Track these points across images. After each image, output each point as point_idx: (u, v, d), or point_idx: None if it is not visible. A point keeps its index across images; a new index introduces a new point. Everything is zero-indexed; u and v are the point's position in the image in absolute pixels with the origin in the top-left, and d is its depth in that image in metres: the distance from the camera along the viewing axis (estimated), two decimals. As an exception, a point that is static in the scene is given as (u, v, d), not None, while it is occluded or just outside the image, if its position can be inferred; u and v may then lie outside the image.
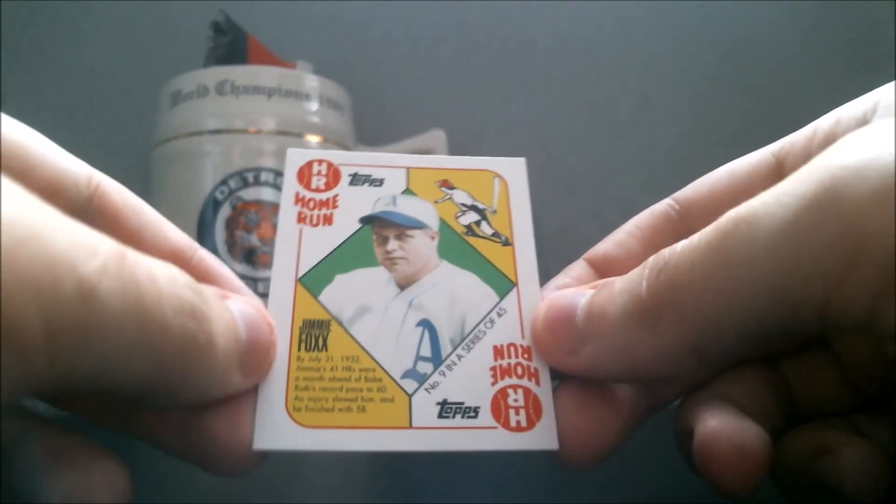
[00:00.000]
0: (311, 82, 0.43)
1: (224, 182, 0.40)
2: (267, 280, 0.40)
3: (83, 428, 0.16)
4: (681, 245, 0.15)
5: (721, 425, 0.16)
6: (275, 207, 0.40)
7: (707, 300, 0.14)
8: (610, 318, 0.16)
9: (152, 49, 0.56)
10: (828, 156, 0.14)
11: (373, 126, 0.52)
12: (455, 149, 0.49)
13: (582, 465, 0.17)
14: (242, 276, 0.40)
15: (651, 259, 0.16)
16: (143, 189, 0.44)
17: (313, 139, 0.42)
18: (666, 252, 0.16)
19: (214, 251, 0.40)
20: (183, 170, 0.42)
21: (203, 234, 0.40)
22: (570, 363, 0.17)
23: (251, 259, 0.40)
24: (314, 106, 0.43)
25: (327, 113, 0.44)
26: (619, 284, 0.16)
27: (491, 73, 0.56)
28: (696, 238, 0.15)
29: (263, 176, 0.40)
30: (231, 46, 0.44)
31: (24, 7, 0.55)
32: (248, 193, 0.40)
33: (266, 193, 0.40)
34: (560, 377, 0.18)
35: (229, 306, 0.16)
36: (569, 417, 0.17)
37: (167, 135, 0.42)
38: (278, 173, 0.40)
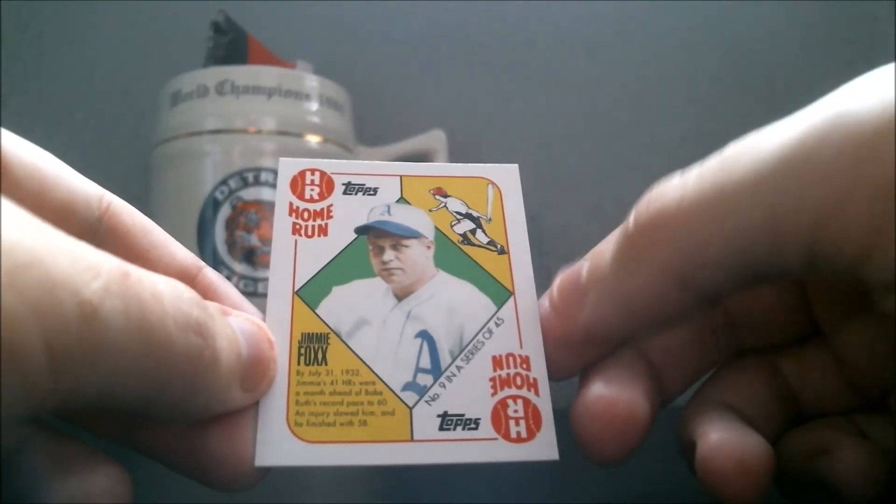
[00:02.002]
0: (311, 82, 0.43)
1: (224, 182, 0.40)
2: (267, 280, 0.40)
3: (88, 434, 0.16)
4: (676, 177, 0.15)
5: (722, 440, 0.16)
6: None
7: (693, 225, 0.14)
8: (605, 261, 0.16)
9: (152, 49, 0.56)
10: (833, 94, 0.14)
11: (373, 126, 0.52)
12: (455, 149, 0.49)
13: (612, 459, 0.17)
14: (242, 276, 0.40)
15: (644, 196, 0.16)
16: (143, 189, 0.44)
17: (313, 139, 0.42)
18: (659, 185, 0.16)
19: (214, 251, 0.40)
20: (183, 170, 0.42)
21: (203, 234, 0.40)
22: (578, 323, 0.17)
23: (251, 259, 0.40)
24: (314, 106, 0.43)
25: (327, 113, 0.44)
26: (616, 231, 0.17)
27: (491, 73, 0.56)
28: (693, 169, 0.15)
29: (263, 176, 0.40)
30: (231, 46, 0.44)
31: (24, 7, 0.55)
32: (248, 193, 0.40)
33: (266, 193, 0.40)
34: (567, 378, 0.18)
35: (231, 322, 0.16)
36: (597, 411, 0.17)
37: (167, 135, 0.42)
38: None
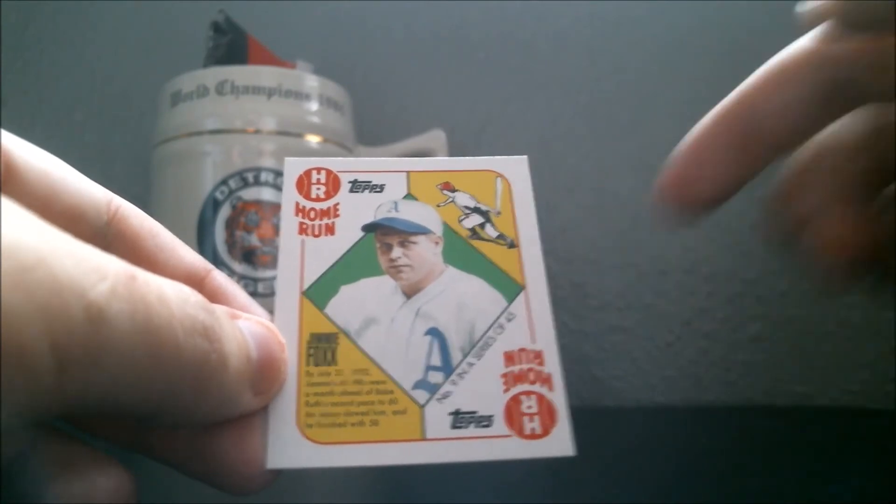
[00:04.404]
0: (311, 82, 0.43)
1: (224, 182, 0.40)
2: (267, 280, 0.40)
3: (97, 439, 0.16)
4: None
5: (835, 229, 0.18)
6: (275, 207, 0.40)
7: None
8: None
9: (152, 49, 0.56)
10: None
11: (373, 126, 0.52)
12: (455, 149, 0.49)
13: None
14: (242, 277, 0.40)
15: None
16: (143, 189, 0.44)
17: (313, 139, 0.42)
18: None
19: (214, 251, 0.40)
20: (183, 170, 0.42)
21: (203, 234, 0.40)
22: None
23: (251, 259, 0.40)
24: (314, 106, 0.43)
25: (327, 113, 0.44)
26: None
27: (491, 73, 0.56)
28: None
29: (263, 176, 0.40)
30: (231, 46, 0.44)
31: (24, 7, 0.55)
32: (248, 193, 0.40)
33: (266, 193, 0.40)
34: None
35: (240, 326, 0.16)
36: None
37: (167, 135, 0.42)
38: (278, 173, 0.40)
